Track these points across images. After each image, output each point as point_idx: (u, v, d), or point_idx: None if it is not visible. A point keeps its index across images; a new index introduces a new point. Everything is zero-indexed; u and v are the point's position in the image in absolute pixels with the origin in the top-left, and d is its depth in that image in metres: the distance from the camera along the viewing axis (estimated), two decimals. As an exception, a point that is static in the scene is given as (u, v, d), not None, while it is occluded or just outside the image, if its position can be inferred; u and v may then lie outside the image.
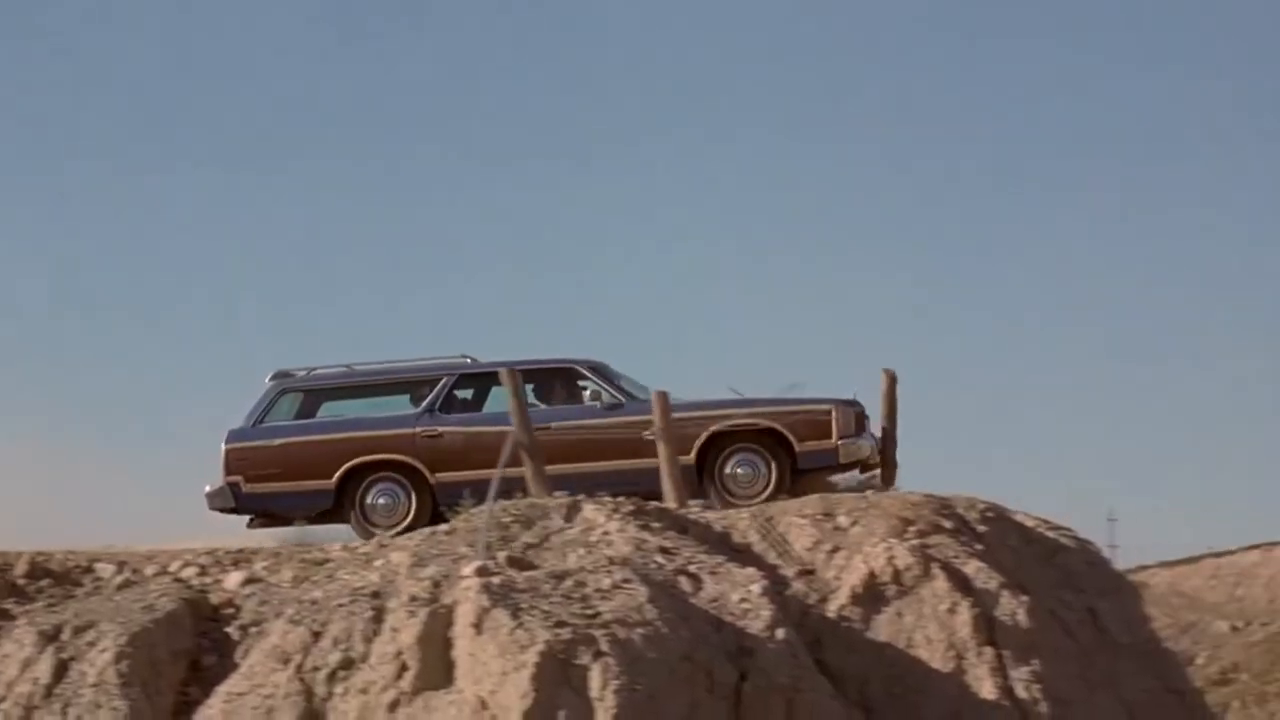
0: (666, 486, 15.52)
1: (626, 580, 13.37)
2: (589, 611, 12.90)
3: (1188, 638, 57.03)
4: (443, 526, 14.70)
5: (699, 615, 13.30)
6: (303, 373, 15.47)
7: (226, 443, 15.08)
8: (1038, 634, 14.00)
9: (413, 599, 13.11)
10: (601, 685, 12.36)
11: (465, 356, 15.48)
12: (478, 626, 12.66)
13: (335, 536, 15.23)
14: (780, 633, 13.28)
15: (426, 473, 15.49)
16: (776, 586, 14.04)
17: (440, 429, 15.58)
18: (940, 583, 14.13)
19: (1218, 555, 71.66)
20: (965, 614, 13.94)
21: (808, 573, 14.42)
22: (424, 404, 15.67)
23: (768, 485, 15.49)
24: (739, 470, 15.49)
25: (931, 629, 13.94)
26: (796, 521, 14.91)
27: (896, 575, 14.19)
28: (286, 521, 15.32)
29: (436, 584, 13.27)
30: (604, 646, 12.52)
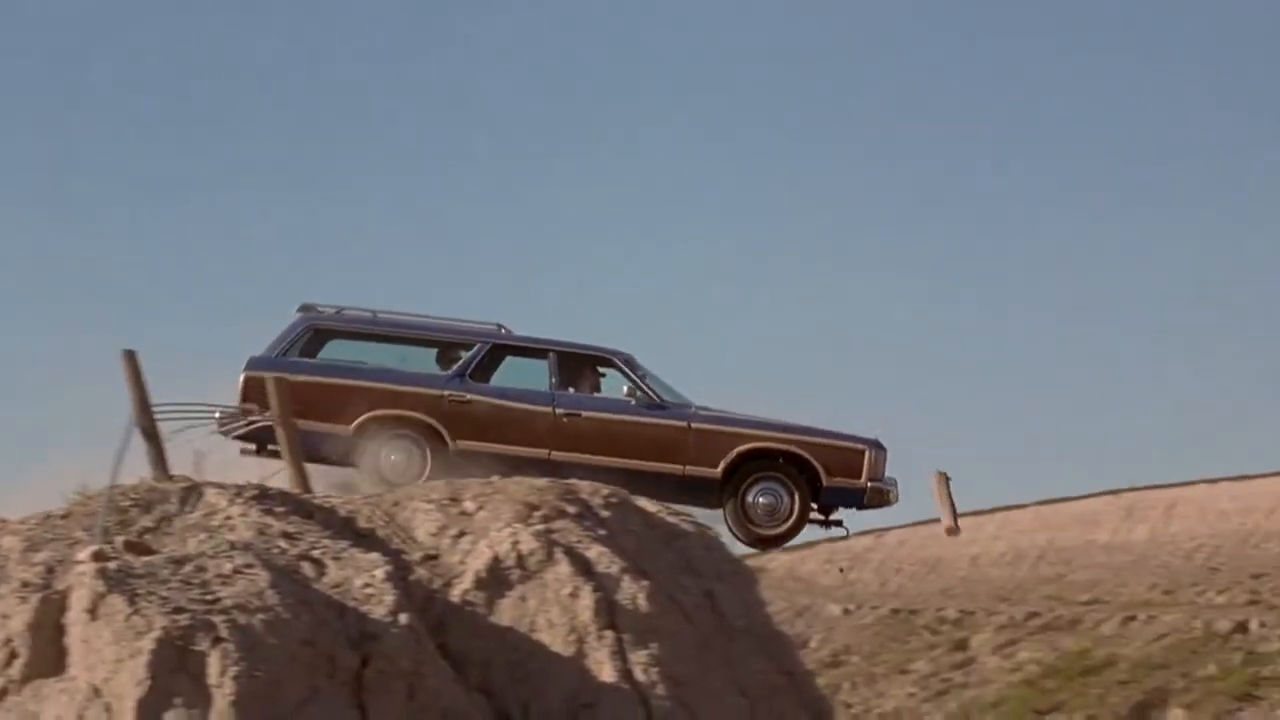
0: (291, 471, 15.36)
1: (248, 565, 13.20)
2: (209, 597, 12.70)
3: (802, 621, 58.80)
4: (57, 509, 14.29)
5: (321, 601, 13.21)
6: (332, 310, 14.68)
7: (246, 369, 14.24)
8: (657, 618, 14.26)
9: (24, 584, 12.72)
10: (220, 672, 12.18)
11: (500, 326, 14.86)
12: (92, 612, 12.35)
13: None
14: (403, 618, 13.27)
15: (447, 437, 14.75)
16: (400, 572, 14.02)
17: (469, 396, 14.82)
18: (563, 567, 14.29)
19: (833, 541, 74.09)
20: (587, 598, 14.13)
21: (432, 558, 14.44)
22: (455, 367, 14.88)
23: (789, 517, 15.05)
24: (761, 499, 15.06)
25: (554, 613, 14.09)
26: (422, 507, 14.91)
27: (520, 560, 14.30)
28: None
29: (50, 569, 12.91)
30: (223, 632, 12.34)
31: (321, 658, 12.71)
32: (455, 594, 14.14)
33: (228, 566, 13.18)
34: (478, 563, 14.31)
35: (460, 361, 14.98)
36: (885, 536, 74.61)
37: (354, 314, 14.96)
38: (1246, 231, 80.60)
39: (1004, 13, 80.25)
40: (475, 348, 15.06)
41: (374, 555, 14.07)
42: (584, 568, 14.36)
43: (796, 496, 15.22)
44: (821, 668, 49.62)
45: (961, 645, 51.96)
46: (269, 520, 14.28)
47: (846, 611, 59.68)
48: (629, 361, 15.34)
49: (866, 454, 15.46)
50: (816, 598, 62.66)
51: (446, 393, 14.91)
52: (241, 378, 14.45)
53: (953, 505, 15.95)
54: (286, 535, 14.16)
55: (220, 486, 14.66)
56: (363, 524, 14.77)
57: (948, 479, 15.66)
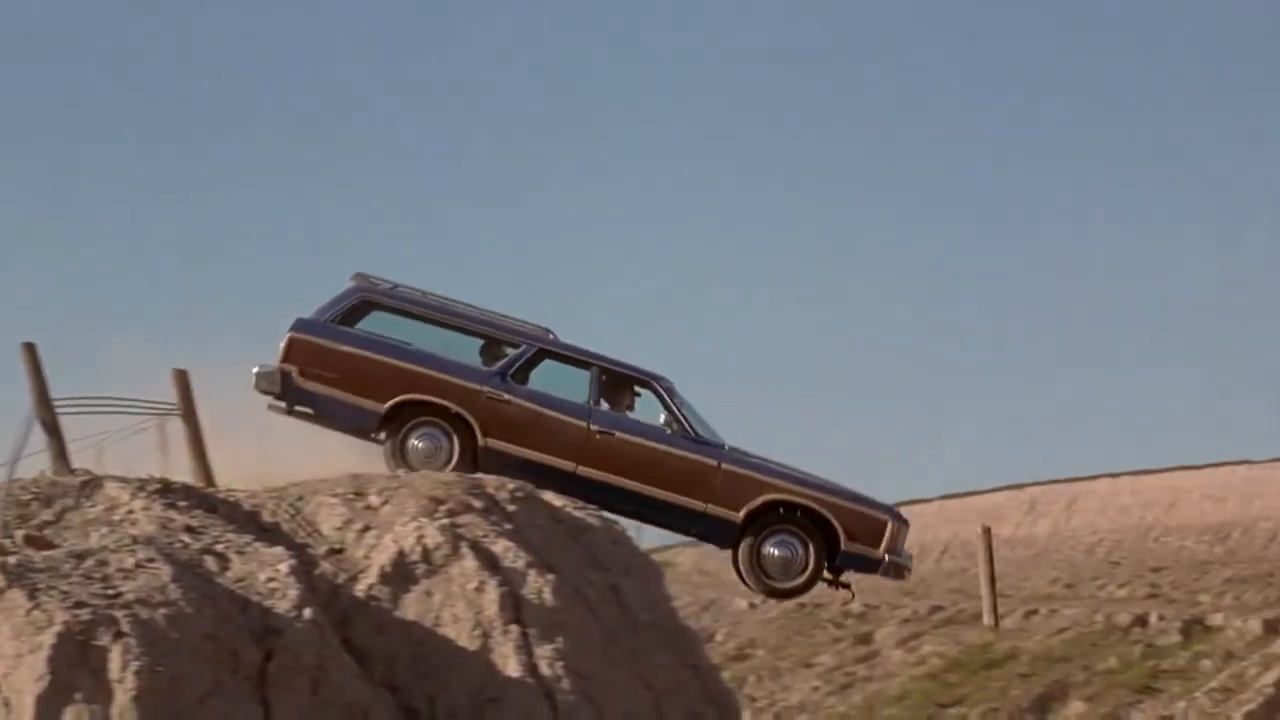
0: (194, 465, 15.27)
1: (150, 560, 13.10)
2: (110, 592, 12.60)
3: (708, 615, 58.94)
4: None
5: (224, 595, 13.13)
6: (386, 284, 14.38)
7: (293, 329, 13.94)
8: (563, 612, 14.27)
9: (-79, 579, 12.57)
10: (121, 667, 12.09)
11: (548, 330, 14.60)
12: (-9, 608, 12.21)
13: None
14: (307, 612, 13.22)
15: (479, 433, 14.46)
16: (305, 566, 13.97)
17: (508, 396, 14.50)
18: (469, 561, 14.28)
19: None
20: (493, 592, 14.12)
21: (337, 552, 14.39)
22: (498, 365, 14.59)
23: (803, 572, 14.83)
24: (775, 551, 14.83)
25: (459, 607, 14.07)
26: (327, 500, 14.85)
27: (426, 554, 14.28)
28: (321, 422, 14.30)
29: (-53, 564, 12.75)
30: (125, 627, 12.25)
31: (224, 652, 12.64)
32: (360, 588, 14.10)
33: (129, 561, 13.08)
34: (383, 557, 14.27)
35: (504, 360, 14.84)
36: (791, 531, 74.86)
37: (406, 292, 14.77)
38: (1158, 229, 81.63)
39: (1003, 13, 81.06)
40: (521, 349, 14.88)
41: (278, 549, 14.00)
42: (490, 562, 14.35)
43: (813, 553, 15.10)
44: (727, 661, 49.70)
45: (866, 639, 52.19)
46: (172, 514, 14.18)
47: (752, 606, 59.85)
48: (669, 389, 15.20)
49: (889, 525, 15.36)
50: (723, 592, 62.79)
51: (486, 389, 14.72)
52: (288, 335, 14.24)
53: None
54: (189, 529, 14.07)
55: (122, 480, 14.55)
56: (267, 518, 14.70)
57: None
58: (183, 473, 15.68)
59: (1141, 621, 49.52)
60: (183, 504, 14.43)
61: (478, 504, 14.90)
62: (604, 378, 14.59)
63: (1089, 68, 79.25)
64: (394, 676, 13.66)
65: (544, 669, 13.93)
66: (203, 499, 14.72)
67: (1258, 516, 57.34)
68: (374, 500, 14.85)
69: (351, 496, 14.90)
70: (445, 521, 14.50)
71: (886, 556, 15.23)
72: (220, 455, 15.82)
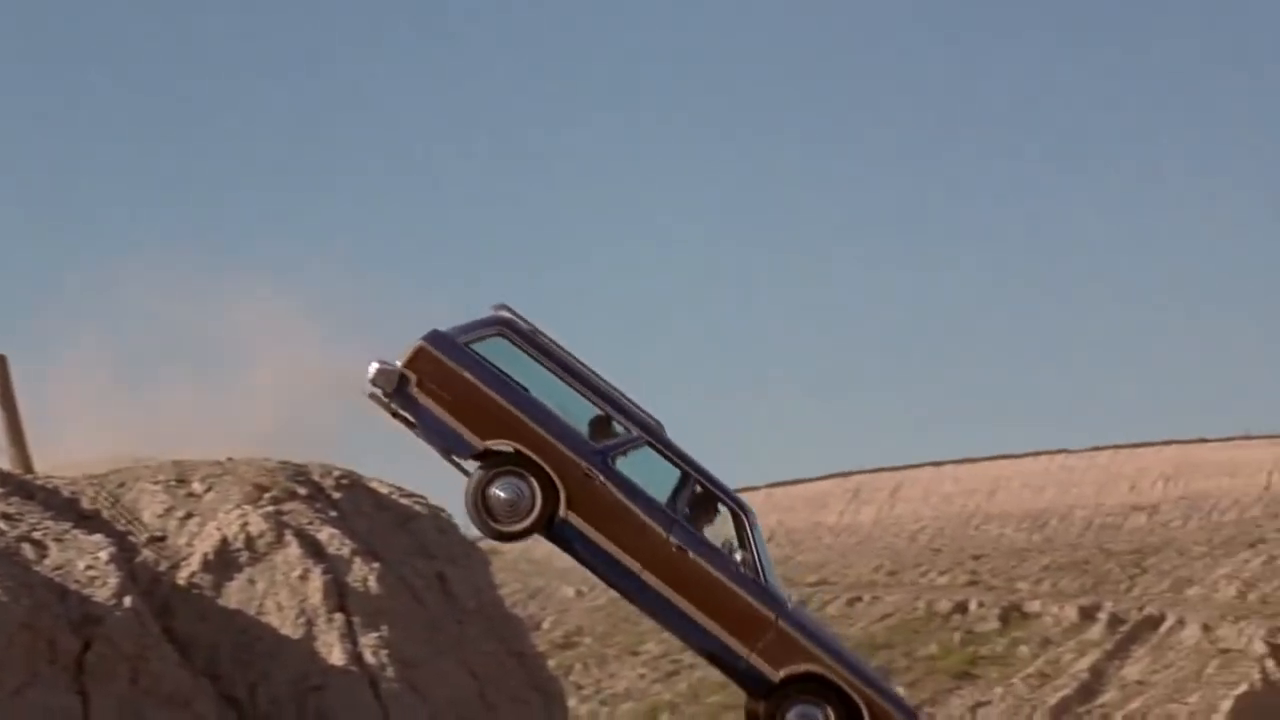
0: (12, 451, 15.01)
1: (-35, 547, 12.86)
2: (-77, 580, 12.35)
3: (535, 602, 59.06)
4: None
5: (42, 583, 12.92)
6: (526, 325, 14.04)
7: (425, 340, 13.48)
8: (388, 600, 14.23)
9: None
10: (-66, 657, 11.85)
11: (660, 424, 14.31)
12: None
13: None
14: (127, 601, 13.05)
15: (564, 504, 14.15)
16: (125, 554, 13.78)
17: (604, 480, 14.19)
18: (293, 549, 14.18)
19: (567, 523, 74.34)
20: (317, 580, 14.04)
21: (159, 540, 14.21)
22: (605, 443, 14.32)
23: None
24: (797, 717, 14.64)
25: (283, 595, 13.97)
26: (148, 488, 14.67)
27: (250, 542, 14.16)
28: (416, 433, 13.90)
29: None
30: (-62, 617, 12.00)
31: (41, 641, 12.44)
32: (182, 576, 13.95)
33: (-56, 549, 12.84)
34: (205, 545, 14.13)
35: (611, 440, 14.70)
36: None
37: (543, 340, 14.68)
38: (970, 222, 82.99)
39: (1000, 11, 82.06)
40: (632, 436, 14.78)
41: (98, 537, 13.80)
42: (314, 550, 14.27)
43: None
44: (554, 649, 49.89)
45: (692, 626, 52.57)
46: (-12, 501, 13.93)
47: (579, 593, 60.08)
48: (753, 524, 15.09)
49: None
50: (550, 579, 62.93)
51: (586, 464, 14.59)
52: (415, 345, 13.99)
53: None
54: (6, 517, 13.82)
55: (-62, 467, 14.27)
56: (87, 505, 14.47)
57: None
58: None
59: (962, 608, 50.46)
60: (-1, 490, 14.19)
61: (303, 491, 14.80)
62: (697, 489, 14.66)
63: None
64: (216, 665, 13.53)
65: (368, 657, 13.88)
66: (19, 485, 14.47)
67: (1074, 505, 58.55)
68: (197, 487, 14.70)
69: (174, 483, 14.73)
70: (270, 509, 14.39)
71: None
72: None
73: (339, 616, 13.98)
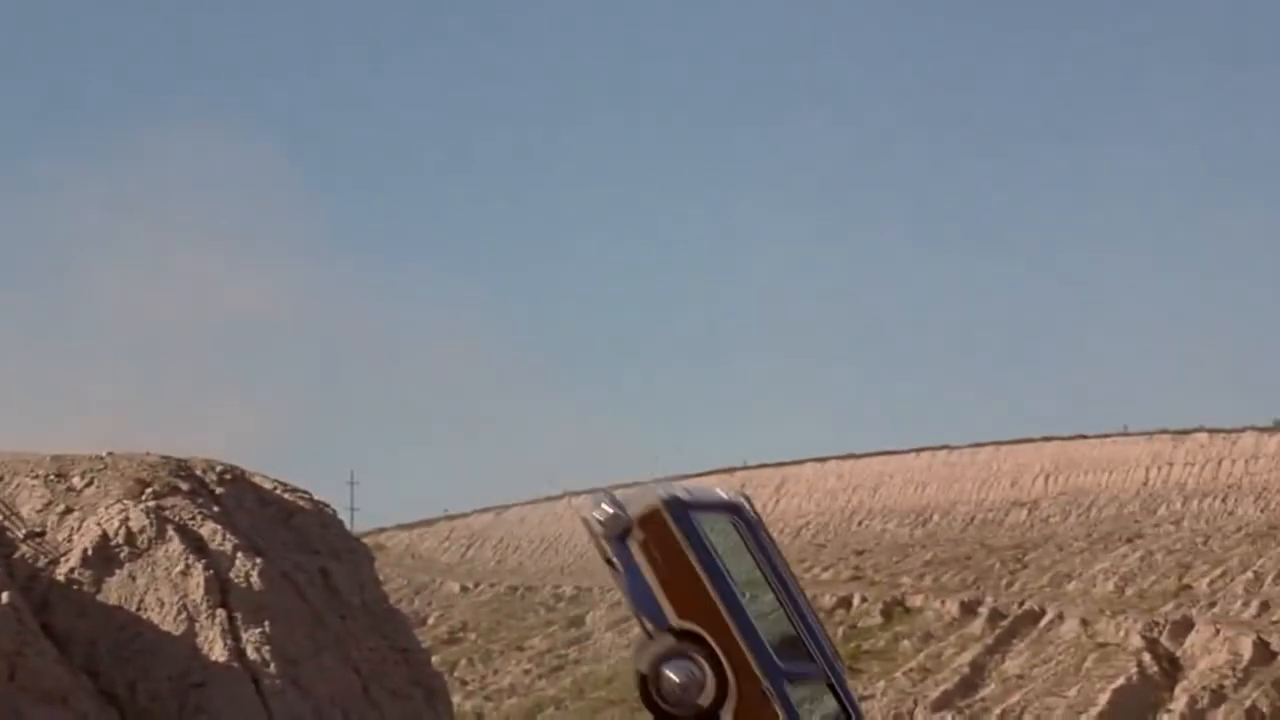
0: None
1: None
2: None
3: (420, 598, 58.86)
4: None
5: (-83, 579, 12.76)
6: (754, 516, 13.78)
7: (664, 502, 13.08)
8: (270, 596, 14.17)
9: None
10: None
11: (848, 666, 14.26)
12: None
13: None
14: (4, 596, 12.92)
15: (730, 709, 13.87)
16: (3, 549, 13.64)
17: (777, 707, 13.94)
18: (175, 545, 14.09)
19: (452, 517, 74.35)
20: (198, 576, 13.95)
21: (37, 535, 14.07)
22: (788, 666, 14.11)
23: None
24: None
25: (164, 591, 13.88)
26: (27, 482, 14.51)
27: (130, 537, 14.05)
28: (615, 582, 13.57)
29: None
30: None
31: (-83, 638, 12.28)
32: (61, 572, 13.82)
33: None
34: (85, 540, 14.01)
35: (797, 665, 14.57)
36: (505, 514, 75.18)
37: (763, 537, 14.59)
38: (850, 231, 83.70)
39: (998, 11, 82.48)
40: (816, 669, 14.69)
41: (-25, 532, 13.65)
42: (196, 545, 14.18)
43: None
44: (439, 644, 49.72)
45: (577, 622, 52.66)
46: None
47: (465, 589, 59.92)
48: None
49: None
50: (436, 575, 62.76)
51: (766, 681, 14.48)
52: (653, 504, 13.68)
53: None
54: (-119, 511, 13.64)
55: None
56: (-37, 500, 14.31)
57: None
58: None
59: (845, 603, 50.78)
60: (-126, 485, 13.99)
61: (185, 486, 14.70)
62: None
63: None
64: (95, 662, 13.42)
65: (250, 653, 13.81)
66: (-105, 480, 14.28)
67: (956, 500, 59.14)
68: (77, 482, 14.56)
69: (53, 478, 14.59)
70: (151, 504, 14.29)
71: None
72: None
73: (221, 612, 13.91)
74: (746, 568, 14.27)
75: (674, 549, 13.77)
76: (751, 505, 14.00)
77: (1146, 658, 40.23)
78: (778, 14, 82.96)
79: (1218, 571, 45.63)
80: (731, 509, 13.87)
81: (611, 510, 13.56)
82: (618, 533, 13.91)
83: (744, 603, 13.84)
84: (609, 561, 13.84)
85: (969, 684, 41.64)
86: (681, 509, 13.76)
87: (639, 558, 13.69)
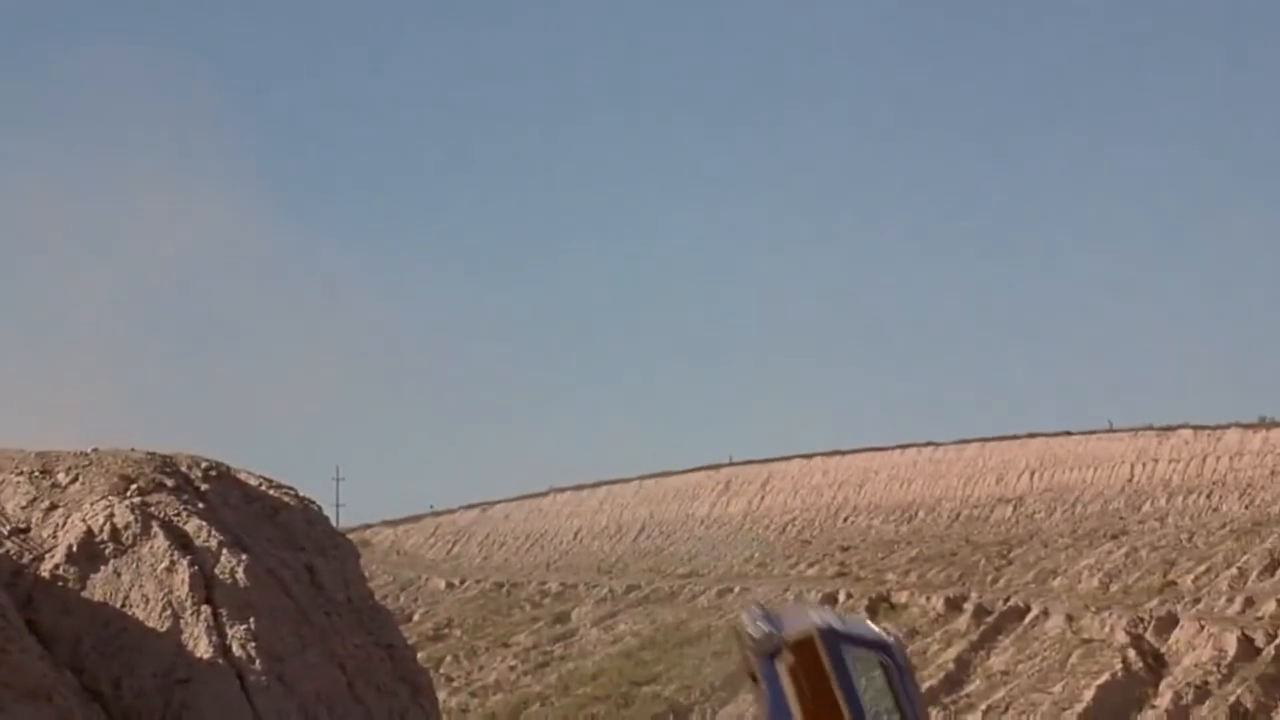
0: None
1: None
2: None
3: (406, 594, 58.88)
4: None
5: (-99, 576, 12.73)
6: (904, 662, 13.72)
7: (819, 631, 12.98)
8: (255, 592, 14.14)
9: None
10: None
11: None
12: None
13: None
14: (-11, 593, 12.89)
15: None
16: (-12, 545, 13.60)
17: None
18: (160, 541, 14.06)
19: (438, 514, 74.37)
20: (184, 572, 13.93)
21: (22, 531, 14.04)
22: None
23: None
24: None
25: (149, 588, 13.85)
26: (11, 479, 14.48)
27: (115, 533, 14.02)
28: (755, 697, 13.47)
29: None
30: None
31: (-99, 635, 12.26)
32: (46, 568, 13.79)
33: None
34: (70, 536, 13.97)
35: None
36: (491, 510, 75.20)
37: (895, 678, 14.54)
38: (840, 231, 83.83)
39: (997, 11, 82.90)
40: None
41: (-41, 529, 13.62)
42: (182, 541, 14.15)
43: None
44: (425, 641, 49.73)
45: (563, 618, 52.70)
46: None
47: (450, 585, 59.92)
48: None
49: None
50: (421, 571, 62.75)
51: None
52: (808, 631, 13.58)
53: None
54: None
55: None
56: (-53, 497, 14.28)
57: None
58: None
59: (831, 599, 50.83)
60: None
61: (170, 482, 14.67)
62: None
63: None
64: (80, 659, 13.38)
65: (235, 650, 13.79)
66: (-121, 476, 14.24)
67: (941, 497, 59.24)
68: (62, 478, 14.53)
69: (38, 474, 14.55)
70: (136, 500, 14.26)
71: None
72: None
73: (206, 609, 13.88)
74: (887, 708, 14.14)
75: (821, 678, 13.64)
76: (902, 647, 13.92)
77: (1131, 654, 40.32)
78: (778, 14, 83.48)
79: (1202, 568, 45.74)
80: (883, 648, 13.75)
81: (767, 629, 13.43)
82: (769, 652, 13.77)
83: None
84: (752, 676, 13.70)
85: (954, 680, 41.70)
86: (835, 640, 13.63)
87: (784, 679, 13.57)
